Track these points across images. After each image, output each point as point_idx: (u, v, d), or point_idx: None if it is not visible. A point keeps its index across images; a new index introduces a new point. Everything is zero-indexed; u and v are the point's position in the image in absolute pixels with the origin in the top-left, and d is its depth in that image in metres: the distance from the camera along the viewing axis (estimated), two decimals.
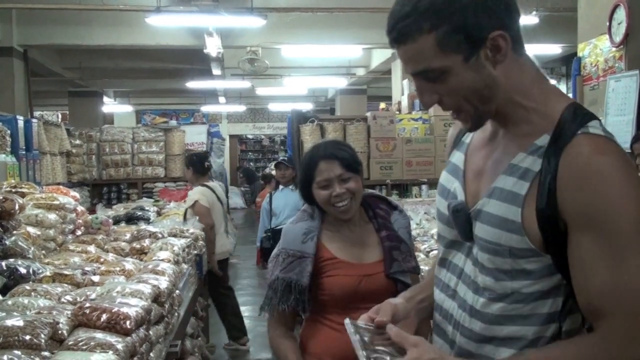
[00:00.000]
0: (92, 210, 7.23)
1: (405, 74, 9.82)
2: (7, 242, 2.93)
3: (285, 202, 6.57)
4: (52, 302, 2.37)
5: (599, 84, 4.36)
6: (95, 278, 2.84)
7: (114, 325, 2.12)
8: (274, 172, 6.99)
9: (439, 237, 1.54)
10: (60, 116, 16.25)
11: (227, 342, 6.45)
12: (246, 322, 7.36)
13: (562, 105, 1.29)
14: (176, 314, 3.15)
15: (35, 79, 10.56)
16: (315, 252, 2.36)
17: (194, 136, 11.05)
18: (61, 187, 4.84)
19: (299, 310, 2.37)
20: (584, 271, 1.21)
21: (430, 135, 7.27)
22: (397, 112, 8.79)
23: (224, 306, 6.32)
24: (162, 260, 3.40)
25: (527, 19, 7.70)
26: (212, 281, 6.10)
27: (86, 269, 3.00)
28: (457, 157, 1.49)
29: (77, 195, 4.49)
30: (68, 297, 2.47)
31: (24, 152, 6.77)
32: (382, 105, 11.26)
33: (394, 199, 6.97)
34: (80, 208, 4.23)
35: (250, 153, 26.00)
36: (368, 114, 7.61)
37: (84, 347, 1.93)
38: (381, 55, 11.48)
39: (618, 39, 4.09)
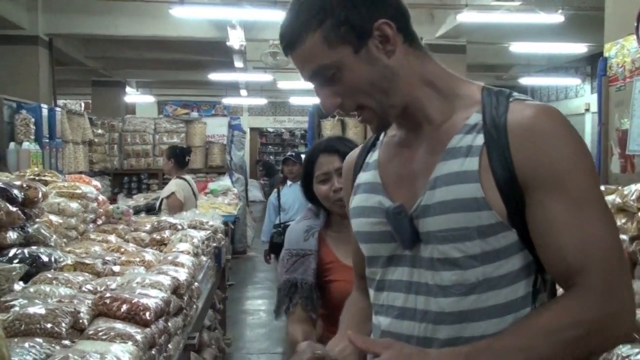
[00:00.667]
0: (112, 199, 7.30)
1: None
2: (30, 230, 2.96)
3: (294, 197, 6.59)
4: (73, 291, 2.39)
5: (626, 85, 4.30)
6: (116, 268, 2.87)
7: (134, 316, 2.13)
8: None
9: (367, 262, 1.42)
10: (83, 105, 16.42)
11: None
12: (262, 315, 7.39)
13: (475, 87, 1.32)
14: (195, 306, 3.17)
15: (60, 68, 10.66)
16: (318, 249, 2.33)
17: (215, 128, 11.08)
18: (83, 176, 4.88)
19: (309, 310, 2.31)
20: (551, 231, 1.19)
21: None
22: None
23: None
24: (182, 252, 3.42)
25: (553, 18, 7.63)
26: None
27: (107, 258, 3.03)
28: (368, 176, 1.41)
29: (99, 184, 4.53)
30: (89, 287, 2.49)
31: (47, 140, 6.84)
32: None
33: None
34: (101, 197, 4.26)
35: (270, 146, 26.05)
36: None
37: (104, 337, 1.95)
38: None
39: None
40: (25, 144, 6.33)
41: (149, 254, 3.25)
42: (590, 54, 10.60)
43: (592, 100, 12.68)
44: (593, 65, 12.50)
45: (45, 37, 9.38)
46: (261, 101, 19.47)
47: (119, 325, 2.04)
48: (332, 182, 2.30)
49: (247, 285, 9.34)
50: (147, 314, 2.15)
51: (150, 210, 5.93)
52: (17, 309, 2.01)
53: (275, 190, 6.90)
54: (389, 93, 1.26)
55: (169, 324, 2.44)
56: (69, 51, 10.84)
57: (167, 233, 3.93)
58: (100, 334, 1.97)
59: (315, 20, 1.23)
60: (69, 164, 7.92)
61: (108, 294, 2.22)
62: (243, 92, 17.15)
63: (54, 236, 3.15)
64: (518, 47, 10.18)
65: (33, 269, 2.63)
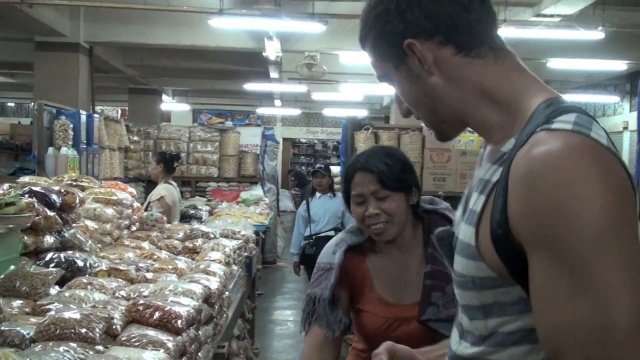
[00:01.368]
0: (146, 206, 7.38)
1: None
2: (67, 235, 3.01)
3: (324, 209, 6.60)
4: (107, 297, 2.42)
5: None
6: (149, 275, 2.89)
7: (166, 324, 2.15)
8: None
9: None
10: (119, 112, 16.65)
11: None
12: (290, 326, 7.39)
13: (539, 100, 1.08)
14: (225, 315, 3.18)
15: (98, 75, 10.84)
16: (342, 262, 2.09)
17: (249, 138, 11.14)
18: (119, 182, 4.95)
19: (324, 328, 2.09)
20: (536, 305, 0.99)
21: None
22: None
23: None
24: (214, 260, 3.44)
25: (592, 34, 7.53)
26: None
27: (140, 265, 3.06)
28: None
29: (134, 191, 4.59)
30: (122, 293, 2.52)
31: (84, 146, 6.95)
32: None
33: None
34: (136, 204, 4.32)
35: (302, 157, 26.11)
36: (423, 124, 7.56)
37: (137, 344, 1.96)
38: None
39: None
40: (64, 149, 6.44)
41: (182, 262, 3.27)
42: (629, 71, 10.43)
43: (631, 118, 12.47)
44: (632, 83, 12.31)
45: (86, 45, 9.56)
46: (295, 112, 19.56)
47: (151, 332, 2.06)
48: (366, 206, 2.06)
49: (276, 295, 9.35)
50: (179, 322, 2.17)
51: (183, 217, 5.98)
52: (52, 313, 2.04)
53: (304, 202, 6.91)
54: (436, 110, 1.18)
55: (200, 332, 2.46)
56: (108, 59, 11.03)
57: (199, 241, 3.96)
58: (132, 340, 1.99)
59: (364, 33, 1.23)
60: (104, 170, 8.03)
61: (141, 301, 2.24)
62: (277, 102, 17.24)
63: (90, 241, 3.19)
64: (556, 64, 10.07)
65: (68, 274, 2.67)
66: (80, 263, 2.78)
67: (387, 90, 14.52)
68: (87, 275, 2.69)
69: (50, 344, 1.83)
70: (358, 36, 1.25)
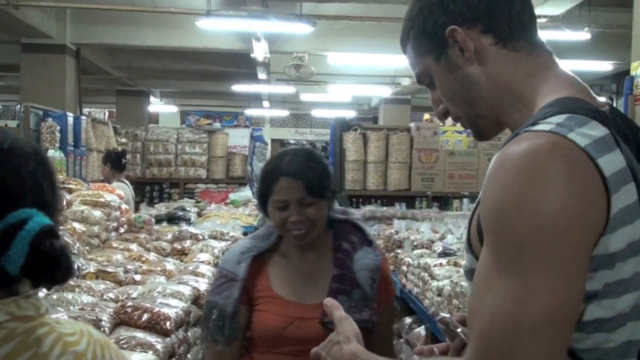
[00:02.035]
0: (134, 208, 7.35)
1: None
2: None
3: None
4: (95, 299, 2.42)
5: None
6: (137, 277, 2.89)
7: (154, 326, 2.15)
8: None
9: None
10: (107, 114, 16.59)
11: None
12: None
13: (549, 100, 1.10)
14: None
15: (85, 77, 10.80)
16: (247, 277, 2.00)
17: (237, 139, 11.14)
18: (107, 184, 4.93)
19: (218, 340, 1.98)
20: (472, 287, 1.06)
21: (473, 149, 7.21)
22: (441, 124, 8.74)
23: None
24: (202, 262, 3.44)
25: (579, 35, 7.58)
26: None
27: (128, 267, 3.05)
28: None
29: (122, 193, 4.57)
30: (110, 295, 2.51)
31: (72, 148, 6.93)
32: (426, 116, 11.20)
33: (434, 211, 6.95)
34: (124, 206, 4.30)
35: None
36: (412, 125, 7.58)
37: (125, 346, 1.96)
38: None
39: None
40: (51, 152, 6.41)
41: (170, 264, 3.27)
42: (616, 72, 10.52)
43: None
44: (619, 84, 12.40)
45: (73, 47, 9.51)
46: (283, 113, 19.54)
47: (140, 335, 2.06)
48: (289, 212, 1.98)
49: None
50: (168, 323, 2.16)
51: (171, 219, 5.95)
52: None
53: None
54: (472, 103, 1.19)
55: (189, 333, 2.46)
56: (95, 60, 10.98)
57: (188, 243, 3.96)
58: (121, 342, 1.98)
59: (406, 32, 1.25)
60: (92, 172, 8.00)
61: (129, 303, 2.24)
62: (265, 103, 17.23)
63: (77, 244, 3.18)
64: None
65: None
66: None
67: (375, 92, 14.56)
68: (75, 278, 2.68)
69: None
70: (399, 39, 1.29)
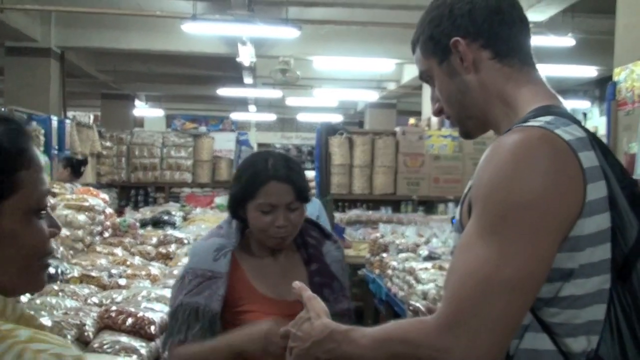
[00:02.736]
0: (119, 212, 7.31)
1: None
2: None
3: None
4: (79, 304, 2.40)
5: (635, 110, 4.31)
6: (122, 281, 2.88)
7: (139, 330, 2.14)
8: None
9: None
10: (92, 117, 16.47)
11: None
12: None
13: (536, 106, 1.26)
14: None
15: (70, 80, 10.73)
16: (230, 272, 1.94)
17: (223, 143, 11.13)
18: (91, 188, 4.90)
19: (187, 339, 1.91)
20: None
21: (459, 153, 7.24)
22: (427, 128, 8.77)
23: None
24: None
25: (563, 41, 7.65)
26: None
27: (113, 271, 3.04)
28: None
29: (107, 197, 4.55)
30: (94, 299, 2.50)
31: (56, 152, 6.88)
32: (412, 120, 11.24)
33: (419, 215, 6.97)
34: (108, 210, 4.29)
35: None
36: (397, 129, 7.61)
37: (109, 350, 1.95)
38: (412, 70, 11.46)
39: None
40: None
41: (155, 268, 3.26)
42: (599, 77, 10.61)
43: (600, 123, 12.67)
44: (602, 89, 12.51)
45: (57, 50, 9.46)
46: (269, 117, 19.53)
47: (124, 339, 2.05)
48: (276, 216, 1.93)
49: None
50: (152, 327, 2.16)
51: (156, 223, 5.93)
52: None
53: None
54: (465, 106, 1.34)
55: None
56: (80, 64, 10.92)
57: (173, 247, 3.95)
58: (105, 347, 1.97)
59: (417, 35, 1.40)
60: None
61: (113, 307, 2.23)
62: (251, 107, 17.20)
63: (61, 248, 3.16)
64: None
65: None
66: (51, 270, 2.75)
67: (361, 96, 14.59)
68: (58, 282, 2.67)
69: None
70: (411, 40, 1.43)
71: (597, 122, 13.56)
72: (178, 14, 7.78)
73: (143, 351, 2.01)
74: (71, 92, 11.62)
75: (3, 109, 7.21)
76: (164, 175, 10.76)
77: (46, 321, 1.97)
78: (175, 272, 3.20)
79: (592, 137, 1.20)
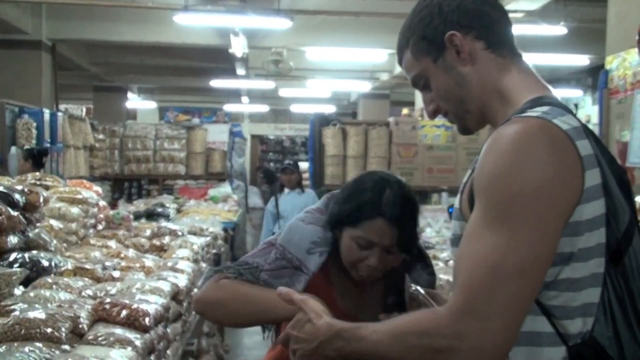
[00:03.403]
0: (113, 204, 7.29)
1: None
2: (31, 235, 2.96)
3: (293, 205, 6.63)
4: (73, 296, 2.40)
5: (627, 98, 4.32)
6: (116, 273, 2.87)
7: (133, 322, 2.14)
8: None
9: None
10: (84, 110, 16.40)
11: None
12: None
13: (531, 97, 1.29)
14: (193, 312, 3.17)
15: (62, 73, 10.68)
16: (316, 272, 1.79)
17: (216, 135, 11.09)
18: (84, 181, 4.89)
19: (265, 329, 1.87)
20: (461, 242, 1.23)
21: (452, 143, 7.24)
22: (420, 118, 8.77)
23: None
24: (182, 258, 3.43)
25: (555, 30, 7.65)
26: None
27: (107, 264, 3.04)
28: None
29: (100, 189, 4.54)
30: (88, 292, 2.50)
31: (48, 145, 6.85)
32: (405, 110, 11.22)
33: None
34: (102, 203, 4.27)
35: (270, 153, 26.03)
36: (390, 119, 7.61)
37: (104, 342, 1.95)
38: None
39: None
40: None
41: (149, 260, 3.25)
42: (592, 66, 10.62)
43: (593, 112, 12.68)
44: (594, 78, 12.52)
45: (49, 42, 9.40)
46: (262, 108, 19.49)
47: (119, 331, 2.05)
48: (370, 255, 1.75)
49: None
50: (147, 319, 2.16)
51: (150, 216, 5.92)
52: (17, 313, 2.02)
53: (273, 198, 6.91)
54: (463, 99, 1.36)
55: (168, 329, 2.45)
56: (71, 56, 10.86)
57: (167, 239, 3.94)
58: (99, 339, 1.97)
59: (405, 39, 1.42)
60: (69, 169, 7.92)
61: (108, 300, 2.23)
62: (244, 99, 17.17)
63: (55, 241, 3.15)
64: None
65: (33, 274, 2.63)
66: (45, 263, 2.74)
67: (354, 87, 14.57)
68: (52, 275, 2.66)
69: (15, 344, 1.81)
70: (397, 47, 1.45)
71: (590, 111, 13.58)
72: (170, 5, 7.74)
73: (138, 343, 2.01)
74: (63, 85, 11.55)
75: None
76: (158, 168, 10.72)
77: (40, 314, 1.96)
78: (170, 263, 3.20)
79: (584, 126, 1.24)
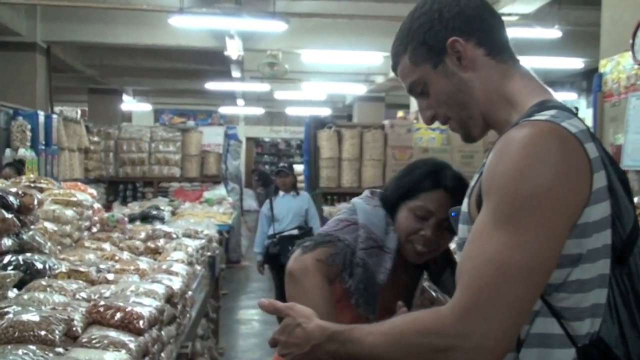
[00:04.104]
0: (108, 207, 7.28)
1: None
2: (25, 237, 2.95)
3: (288, 208, 6.63)
4: (67, 299, 2.39)
5: (620, 101, 4.33)
6: (110, 276, 2.86)
7: (127, 325, 2.13)
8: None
9: None
10: (79, 112, 16.36)
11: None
12: (255, 325, 7.38)
13: (536, 100, 1.30)
14: (188, 315, 3.17)
15: (57, 75, 10.66)
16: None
17: (211, 137, 11.09)
18: (79, 183, 4.87)
19: (363, 311, 1.85)
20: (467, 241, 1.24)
21: (447, 146, 7.26)
22: (415, 121, 8.79)
23: None
24: (176, 260, 3.42)
25: (549, 33, 7.68)
26: None
27: (101, 266, 3.02)
28: None
29: (95, 192, 4.52)
30: (83, 294, 2.49)
31: (43, 147, 6.84)
32: (400, 113, 11.25)
33: None
34: (97, 205, 4.26)
35: (266, 156, 26.05)
36: (386, 122, 7.62)
37: (98, 345, 1.94)
38: None
39: None
40: (22, 151, 6.33)
41: (144, 263, 3.24)
42: (586, 69, 10.66)
43: (587, 115, 12.68)
44: (589, 81, 12.57)
45: (43, 44, 9.39)
46: (258, 111, 19.50)
47: (113, 334, 2.04)
48: (425, 226, 1.86)
49: (240, 294, 9.32)
50: (141, 322, 2.15)
51: (145, 218, 5.91)
52: (10, 315, 2.01)
53: (268, 201, 6.91)
54: (466, 105, 1.36)
55: (163, 332, 2.44)
56: (66, 58, 10.85)
57: (161, 242, 3.93)
58: (93, 341, 1.96)
59: (403, 46, 1.42)
60: (64, 171, 7.90)
61: (102, 302, 2.22)
62: (240, 101, 17.17)
63: (49, 243, 3.14)
64: None
65: (27, 276, 2.62)
66: (39, 265, 2.73)
67: (350, 89, 14.58)
68: (46, 278, 2.65)
69: (9, 347, 1.80)
70: (392, 53, 1.44)
71: (584, 114, 13.61)
72: (165, 8, 7.75)
73: (132, 346, 2.00)
74: (58, 87, 11.54)
75: None
76: (153, 170, 10.71)
77: (34, 316, 1.96)
78: (164, 266, 3.19)
79: (589, 129, 1.25)
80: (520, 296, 1.14)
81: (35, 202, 3.03)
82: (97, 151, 10.28)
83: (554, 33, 7.67)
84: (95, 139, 10.20)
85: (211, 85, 13.14)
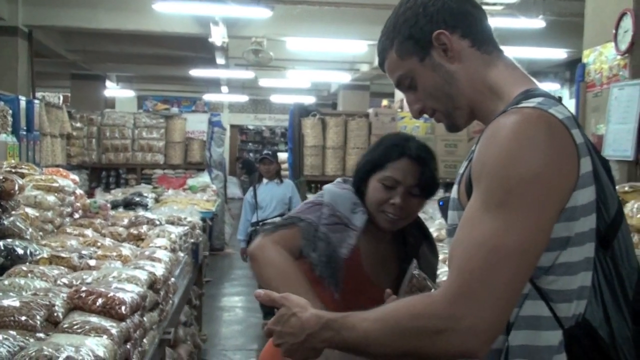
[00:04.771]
0: (90, 193, 7.24)
1: None
2: (6, 223, 2.93)
3: (271, 195, 6.63)
4: (48, 284, 2.38)
5: (603, 92, 4.37)
6: (92, 262, 2.85)
7: (109, 310, 2.13)
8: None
9: None
10: (62, 98, 16.23)
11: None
12: (238, 312, 7.38)
13: (521, 89, 1.33)
14: (171, 301, 3.17)
15: (39, 60, 10.53)
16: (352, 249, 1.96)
17: (195, 124, 11.04)
18: (61, 169, 4.84)
19: (327, 283, 1.94)
20: (458, 226, 1.26)
21: (431, 135, 7.27)
22: (399, 110, 8.80)
23: None
24: (159, 247, 3.41)
25: (533, 23, 7.70)
26: None
27: (83, 252, 3.01)
28: None
29: (77, 178, 4.49)
30: (64, 280, 2.48)
31: (24, 133, 6.77)
32: (385, 102, 11.25)
33: None
34: (79, 191, 4.23)
35: (250, 144, 25.99)
36: (370, 111, 7.63)
37: (79, 331, 1.94)
38: None
39: (623, 47, 4.09)
40: (2, 136, 6.25)
41: (126, 249, 3.23)
42: (569, 59, 10.71)
43: (570, 105, 12.74)
44: (572, 71, 12.64)
45: (25, 29, 9.27)
46: (242, 98, 19.43)
47: (94, 319, 2.04)
48: (394, 195, 1.96)
49: (223, 282, 9.32)
50: (123, 308, 2.15)
51: (128, 205, 5.88)
52: None
53: (251, 188, 6.90)
54: (453, 96, 1.39)
55: (145, 318, 2.44)
56: (48, 43, 10.72)
57: (144, 228, 3.92)
58: (75, 327, 1.96)
59: (389, 40, 1.45)
60: (46, 157, 7.83)
61: (84, 288, 2.21)
62: (224, 88, 17.09)
63: (30, 229, 3.12)
64: None
65: (8, 262, 2.61)
66: (20, 251, 2.72)
67: (334, 78, 14.55)
68: (27, 263, 2.64)
69: None
70: (379, 49, 1.47)
71: (567, 104, 13.68)
72: None
73: (113, 331, 2.00)
74: (40, 72, 11.40)
75: None
76: (136, 157, 10.65)
77: (14, 302, 1.95)
78: (147, 252, 3.19)
79: (574, 116, 1.29)
80: (512, 279, 1.16)
81: (17, 188, 3.01)
82: (80, 137, 10.20)
83: (537, 23, 7.70)
84: (78, 124, 10.11)
85: (195, 72, 13.06)
